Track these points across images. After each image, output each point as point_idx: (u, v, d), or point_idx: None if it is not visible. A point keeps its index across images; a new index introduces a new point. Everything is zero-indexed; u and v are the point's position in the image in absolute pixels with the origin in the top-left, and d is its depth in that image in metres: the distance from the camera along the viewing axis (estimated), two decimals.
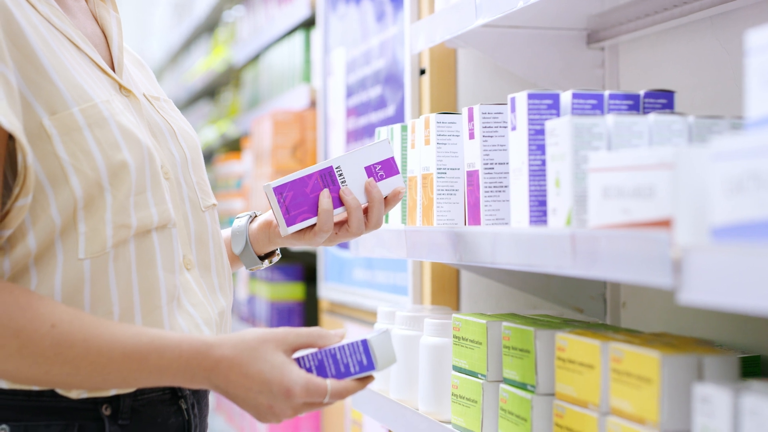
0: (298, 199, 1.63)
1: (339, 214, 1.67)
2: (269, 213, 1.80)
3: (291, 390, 1.43)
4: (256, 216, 1.84)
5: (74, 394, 1.46)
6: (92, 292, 1.45)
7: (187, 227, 1.59)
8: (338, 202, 1.66)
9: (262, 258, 1.83)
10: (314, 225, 1.66)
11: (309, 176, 1.64)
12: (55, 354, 1.40)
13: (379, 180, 1.68)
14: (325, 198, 1.64)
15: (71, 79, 1.45)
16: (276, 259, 1.85)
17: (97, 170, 1.44)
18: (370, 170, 1.67)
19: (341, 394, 1.47)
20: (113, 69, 1.58)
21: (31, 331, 1.39)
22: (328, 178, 1.65)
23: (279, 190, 1.62)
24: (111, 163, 1.45)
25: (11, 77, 1.39)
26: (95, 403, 1.48)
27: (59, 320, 1.40)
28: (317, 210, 1.64)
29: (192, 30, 6.61)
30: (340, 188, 1.66)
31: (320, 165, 1.65)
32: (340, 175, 1.65)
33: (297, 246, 1.75)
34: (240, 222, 1.82)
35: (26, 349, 1.39)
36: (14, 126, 1.37)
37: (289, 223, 1.63)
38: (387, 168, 1.69)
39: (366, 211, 1.69)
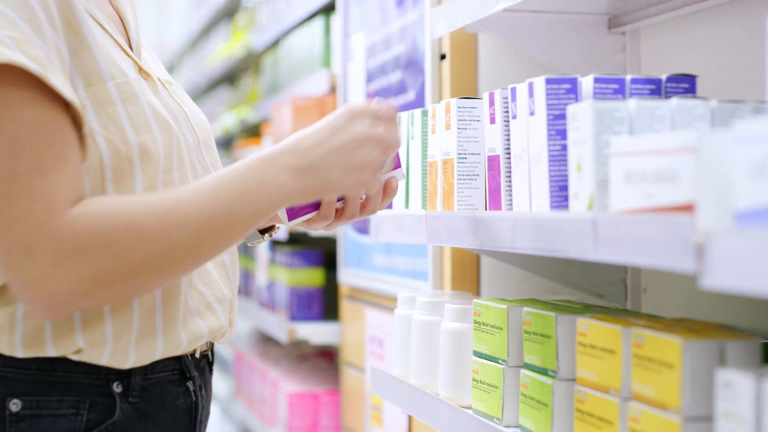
0: None
1: (339, 204, 1.67)
2: None
3: (347, 107, 1.48)
4: None
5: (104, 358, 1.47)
6: None
7: None
8: None
9: (261, 232, 1.84)
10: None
11: None
12: (164, 223, 1.40)
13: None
14: None
15: (106, 53, 1.47)
16: (275, 233, 1.86)
17: (129, 145, 1.45)
18: None
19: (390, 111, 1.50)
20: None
21: (138, 217, 1.39)
22: None
23: None
24: (142, 140, 1.46)
25: (63, 47, 1.41)
26: (107, 380, 1.49)
27: (138, 201, 1.42)
28: (318, 204, 1.64)
29: (211, 16, 6.61)
30: None
31: None
32: None
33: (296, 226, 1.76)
34: None
35: (142, 236, 1.38)
36: (73, 97, 1.40)
37: (291, 218, 1.64)
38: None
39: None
